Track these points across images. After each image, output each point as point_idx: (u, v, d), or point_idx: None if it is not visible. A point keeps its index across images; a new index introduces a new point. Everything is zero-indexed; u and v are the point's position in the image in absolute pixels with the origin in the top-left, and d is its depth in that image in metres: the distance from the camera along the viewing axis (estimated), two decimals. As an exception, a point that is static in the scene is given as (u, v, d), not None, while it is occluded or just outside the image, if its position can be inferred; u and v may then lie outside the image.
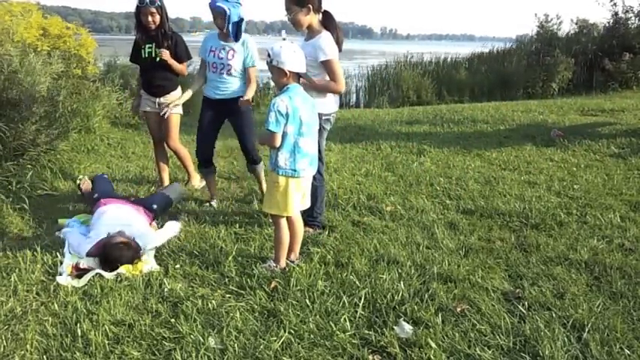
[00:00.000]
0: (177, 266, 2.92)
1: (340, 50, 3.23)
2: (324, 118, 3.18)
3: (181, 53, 4.02)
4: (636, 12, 13.86)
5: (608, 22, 14.12)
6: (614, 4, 13.91)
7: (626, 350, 2.19)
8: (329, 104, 3.26)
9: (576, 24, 14.45)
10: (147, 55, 3.98)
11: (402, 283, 2.71)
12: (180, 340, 2.25)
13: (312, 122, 2.79)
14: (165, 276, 2.80)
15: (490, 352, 2.18)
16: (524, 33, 15.67)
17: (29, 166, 4.30)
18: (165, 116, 3.86)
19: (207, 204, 3.96)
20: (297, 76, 2.76)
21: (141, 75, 4.17)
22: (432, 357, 2.13)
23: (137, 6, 3.82)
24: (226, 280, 2.78)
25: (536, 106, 9.18)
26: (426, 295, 2.60)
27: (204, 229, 3.45)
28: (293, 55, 2.66)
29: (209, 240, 3.27)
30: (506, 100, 11.37)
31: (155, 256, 3.03)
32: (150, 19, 3.83)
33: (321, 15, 3.19)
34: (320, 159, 3.17)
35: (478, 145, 6.15)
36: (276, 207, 2.80)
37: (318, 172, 3.15)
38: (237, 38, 3.64)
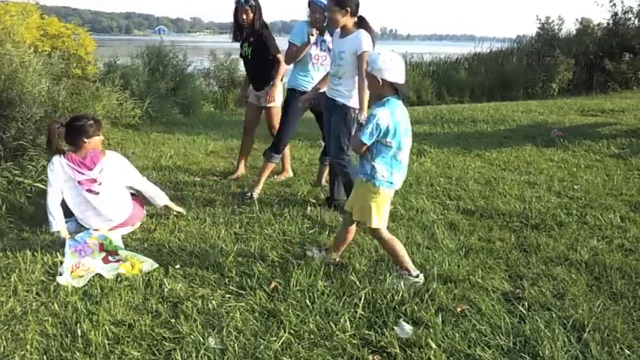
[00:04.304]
0: (177, 266, 2.92)
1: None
2: (357, 111, 3.45)
3: (267, 48, 4.30)
4: (636, 12, 13.88)
5: (608, 23, 14.14)
6: (614, 4, 13.93)
7: (626, 350, 2.19)
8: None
9: (580, 23, 14.44)
10: (243, 54, 4.44)
11: (402, 283, 2.70)
12: (180, 340, 2.25)
13: (408, 135, 2.71)
14: (165, 276, 2.80)
15: (490, 352, 2.18)
16: (525, 33, 15.69)
17: (29, 166, 4.29)
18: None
19: (249, 195, 4.08)
20: (394, 89, 2.62)
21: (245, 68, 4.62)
22: (432, 357, 2.13)
23: (235, 6, 4.28)
24: (226, 280, 2.78)
25: (536, 106, 9.20)
26: (426, 296, 2.60)
27: (204, 229, 3.45)
28: (390, 62, 2.56)
29: (209, 240, 3.27)
30: (506, 101, 11.38)
31: (155, 256, 3.03)
32: (244, 16, 4.24)
33: (356, 18, 3.47)
34: (345, 144, 3.56)
35: (478, 145, 6.15)
36: (368, 217, 2.70)
37: (343, 157, 3.59)
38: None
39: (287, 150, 4.65)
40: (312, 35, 3.79)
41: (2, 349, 2.19)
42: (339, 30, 3.54)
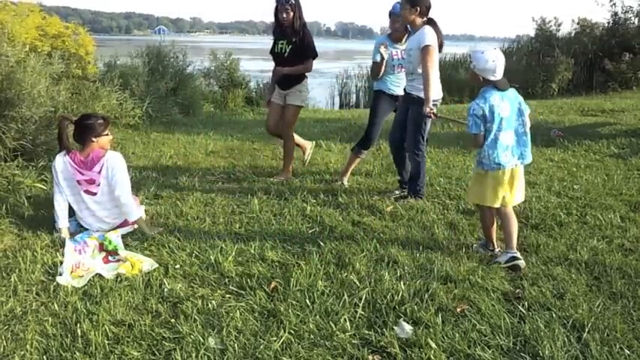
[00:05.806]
0: (177, 266, 2.92)
1: (440, 51, 3.83)
2: (432, 103, 3.74)
3: (305, 50, 4.39)
4: (636, 12, 13.88)
5: (608, 23, 14.15)
6: (614, 4, 13.94)
7: (626, 350, 2.19)
8: (435, 90, 3.80)
9: (578, 24, 14.48)
10: (278, 51, 4.45)
11: (402, 283, 2.71)
12: (180, 340, 2.25)
13: (511, 115, 2.92)
14: (165, 276, 2.80)
15: (490, 352, 2.18)
16: (524, 33, 15.72)
17: (29, 166, 4.30)
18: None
19: (340, 183, 4.44)
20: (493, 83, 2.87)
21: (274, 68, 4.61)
22: (432, 357, 2.13)
23: (275, 5, 4.33)
24: (226, 280, 2.78)
25: (536, 106, 9.18)
26: (426, 296, 2.60)
27: (204, 229, 3.45)
28: (491, 64, 2.83)
29: (209, 240, 3.28)
30: (506, 101, 11.37)
31: (155, 256, 3.03)
32: (284, 15, 4.30)
33: (425, 19, 3.78)
34: (420, 135, 3.90)
35: (478, 145, 6.14)
36: (479, 197, 3.06)
37: (419, 148, 3.91)
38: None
39: (292, 148, 4.71)
40: (385, 49, 4.10)
41: (2, 349, 2.19)
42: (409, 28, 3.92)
